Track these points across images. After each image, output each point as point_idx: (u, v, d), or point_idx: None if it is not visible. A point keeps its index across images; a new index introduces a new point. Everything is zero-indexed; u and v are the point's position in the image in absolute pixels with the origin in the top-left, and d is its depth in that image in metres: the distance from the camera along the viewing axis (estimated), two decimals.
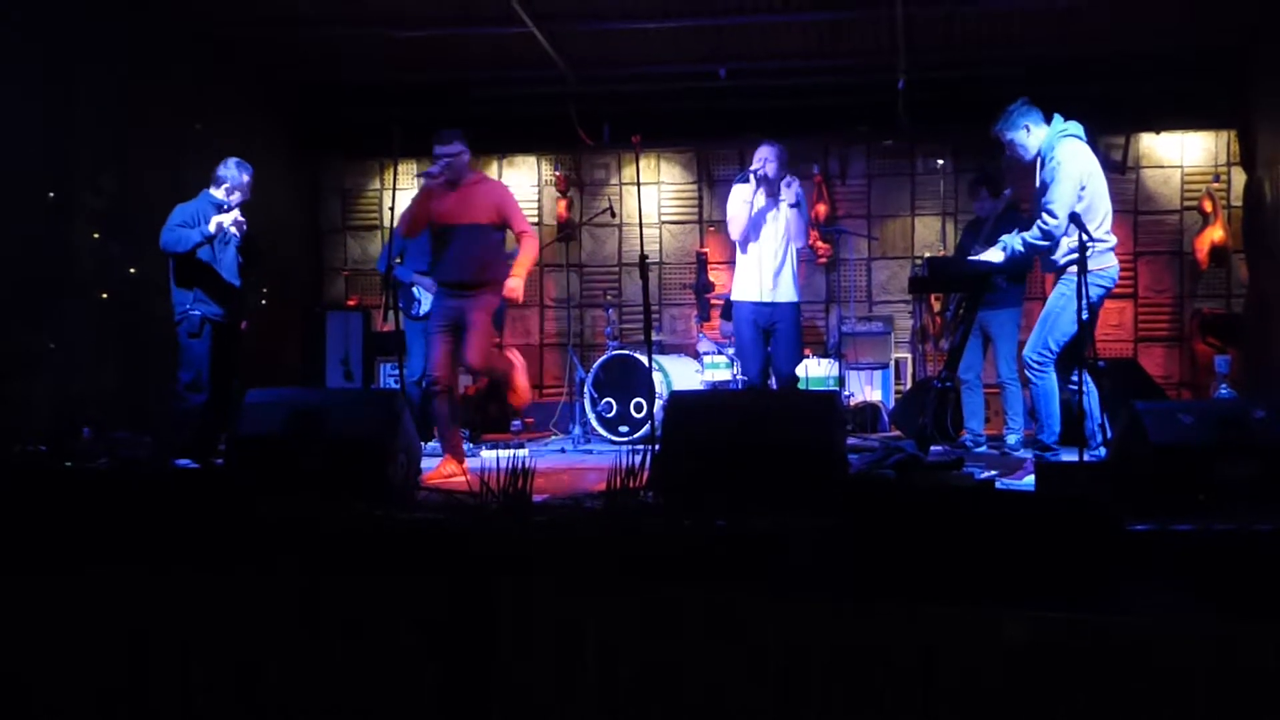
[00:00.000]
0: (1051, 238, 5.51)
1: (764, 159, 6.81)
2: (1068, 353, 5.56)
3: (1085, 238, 5.11)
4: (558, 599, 3.40)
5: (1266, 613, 3.06)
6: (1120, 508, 3.50)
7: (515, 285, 6.17)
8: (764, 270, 6.81)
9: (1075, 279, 5.09)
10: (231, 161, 6.62)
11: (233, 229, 6.40)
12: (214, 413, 6.44)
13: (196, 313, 6.44)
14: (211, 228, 6.31)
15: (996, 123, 5.79)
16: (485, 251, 6.21)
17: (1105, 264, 5.53)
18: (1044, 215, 5.52)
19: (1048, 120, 5.71)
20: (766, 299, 6.82)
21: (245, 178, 6.61)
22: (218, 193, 6.54)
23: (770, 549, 3.52)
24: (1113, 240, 5.62)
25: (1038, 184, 5.69)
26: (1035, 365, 5.57)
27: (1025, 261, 5.95)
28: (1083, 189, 5.49)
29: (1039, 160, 5.68)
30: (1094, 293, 5.32)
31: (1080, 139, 5.62)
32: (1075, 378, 5.51)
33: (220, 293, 6.53)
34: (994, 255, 5.78)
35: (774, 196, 6.85)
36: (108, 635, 3.65)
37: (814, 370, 8.92)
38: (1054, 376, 5.57)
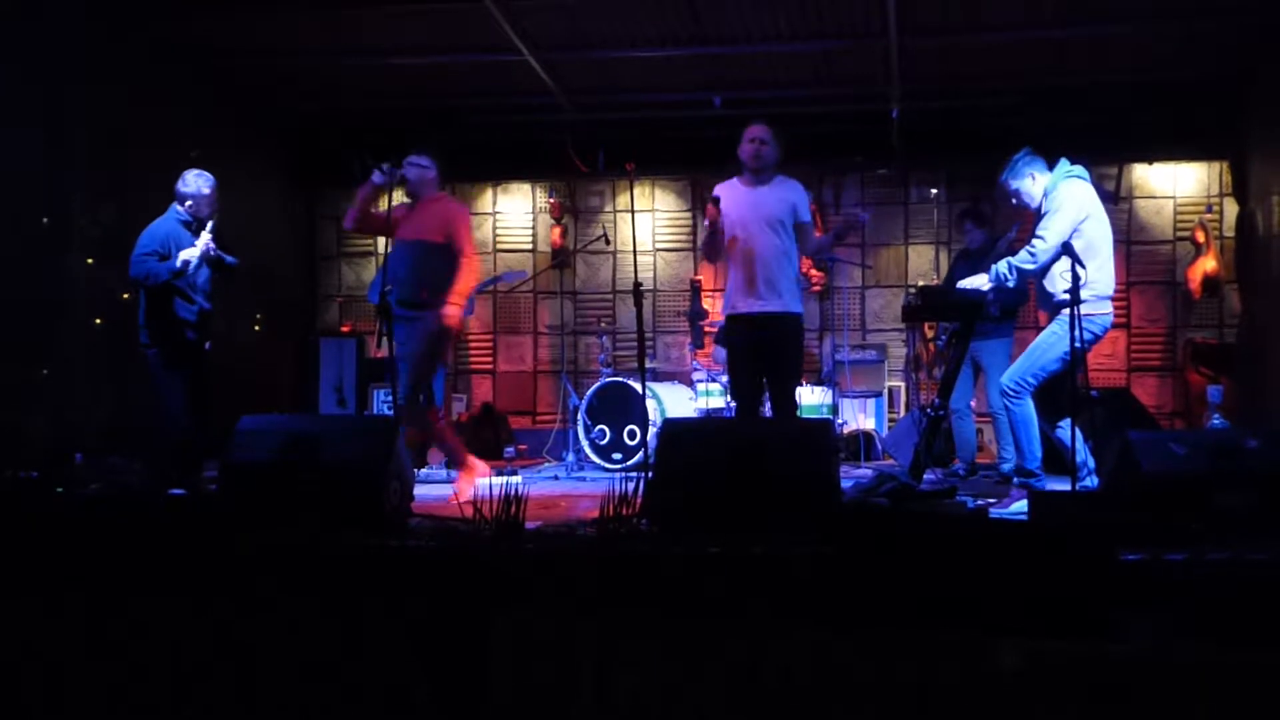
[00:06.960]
0: (1037, 261, 5.52)
1: (757, 141, 6.15)
2: (1057, 394, 5.57)
3: (1080, 269, 5.11)
4: (550, 626, 3.39)
5: (1260, 642, 3.06)
6: (1113, 537, 3.49)
7: (449, 313, 6.11)
8: (752, 273, 5.90)
9: (1069, 319, 5.11)
10: (190, 175, 6.39)
11: (205, 250, 6.27)
12: (196, 438, 6.31)
13: (169, 341, 6.32)
14: (178, 263, 6.20)
15: (1002, 173, 5.83)
16: (429, 271, 6.14)
17: (1100, 310, 5.55)
18: (1034, 239, 5.55)
19: (1051, 168, 5.74)
20: (755, 310, 5.89)
21: (206, 189, 6.36)
22: (182, 209, 6.37)
23: (764, 576, 3.52)
24: (1109, 289, 5.63)
25: (1038, 222, 5.71)
26: (1012, 393, 5.58)
27: (1014, 290, 5.94)
28: (1081, 224, 5.51)
29: (1044, 200, 5.71)
30: (1084, 336, 5.32)
31: (1085, 180, 5.66)
32: (1063, 424, 5.53)
33: (192, 318, 6.39)
34: (980, 281, 5.79)
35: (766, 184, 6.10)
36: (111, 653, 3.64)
37: (808, 398, 8.93)
38: (1030, 404, 5.58)
